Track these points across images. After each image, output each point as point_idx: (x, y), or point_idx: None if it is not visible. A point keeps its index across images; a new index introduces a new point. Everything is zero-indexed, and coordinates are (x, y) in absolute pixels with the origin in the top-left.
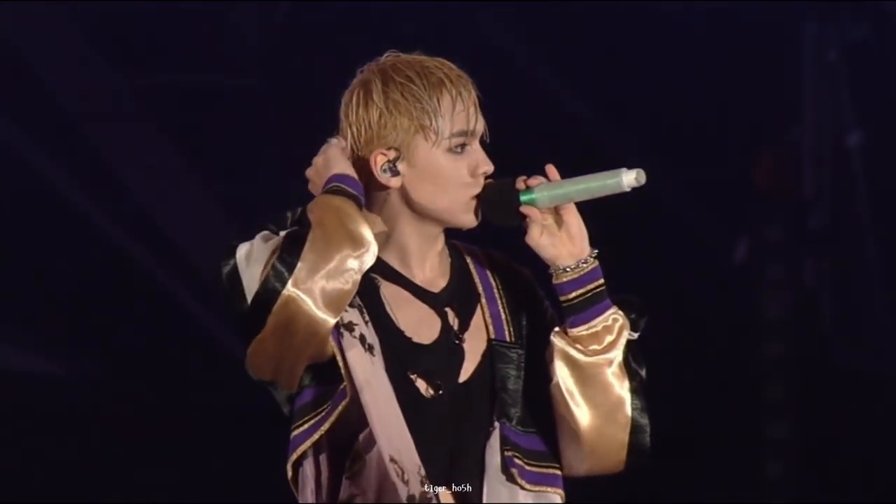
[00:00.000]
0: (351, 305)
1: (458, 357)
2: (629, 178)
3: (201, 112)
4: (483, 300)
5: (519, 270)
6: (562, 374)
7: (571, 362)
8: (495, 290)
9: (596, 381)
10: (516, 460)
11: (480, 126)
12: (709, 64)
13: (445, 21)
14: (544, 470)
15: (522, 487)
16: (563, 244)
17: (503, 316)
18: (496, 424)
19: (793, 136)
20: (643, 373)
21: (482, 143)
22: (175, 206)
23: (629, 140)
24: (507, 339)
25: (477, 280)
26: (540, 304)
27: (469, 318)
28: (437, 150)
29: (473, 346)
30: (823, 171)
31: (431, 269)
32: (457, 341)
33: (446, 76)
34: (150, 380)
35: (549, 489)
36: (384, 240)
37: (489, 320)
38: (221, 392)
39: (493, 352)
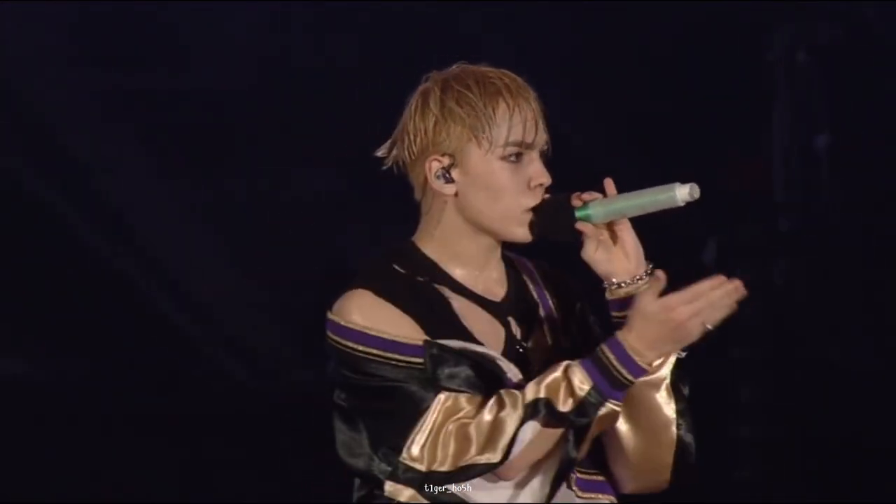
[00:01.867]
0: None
1: (524, 366)
2: (683, 193)
3: (170, 114)
4: (541, 310)
5: (568, 281)
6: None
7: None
8: (550, 300)
9: (642, 403)
10: (577, 468)
11: (539, 139)
12: (679, 65)
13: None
14: (593, 477)
15: (576, 494)
16: (619, 260)
17: (559, 325)
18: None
19: (763, 137)
20: (686, 391)
21: (544, 158)
22: (145, 207)
23: (598, 141)
24: (565, 347)
25: (532, 290)
26: (587, 317)
27: (530, 327)
28: (490, 158)
29: (536, 355)
30: (794, 173)
31: (490, 279)
32: (520, 350)
33: (506, 86)
34: (122, 380)
35: (600, 496)
36: (444, 250)
37: (547, 329)
38: (194, 393)
39: (550, 360)
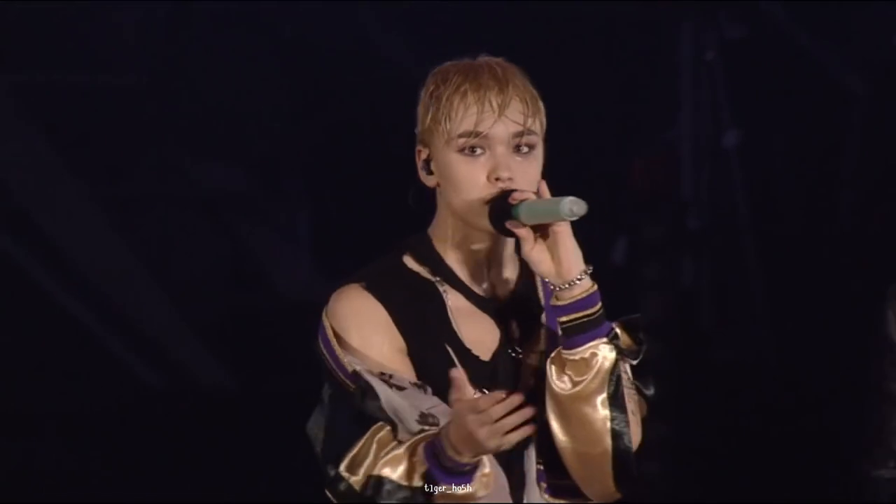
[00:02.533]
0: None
1: (517, 369)
2: (565, 207)
3: (80, 111)
4: (544, 314)
5: None
6: (548, 401)
7: (553, 394)
8: None
9: (573, 415)
10: (546, 474)
11: (501, 131)
12: (586, 64)
13: (328, 19)
14: (563, 481)
15: (546, 499)
16: (551, 262)
17: (559, 328)
18: (531, 437)
19: (670, 136)
20: (648, 393)
21: (529, 151)
22: (55, 206)
23: None
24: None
25: (541, 292)
26: None
27: (530, 331)
28: (448, 150)
29: (531, 359)
30: (701, 171)
31: (494, 277)
32: (513, 353)
33: (475, 76)
34: (29, 383)
35: (572, 500)
36: (447, 242)
37: (545, 334)
38: (102, 393)
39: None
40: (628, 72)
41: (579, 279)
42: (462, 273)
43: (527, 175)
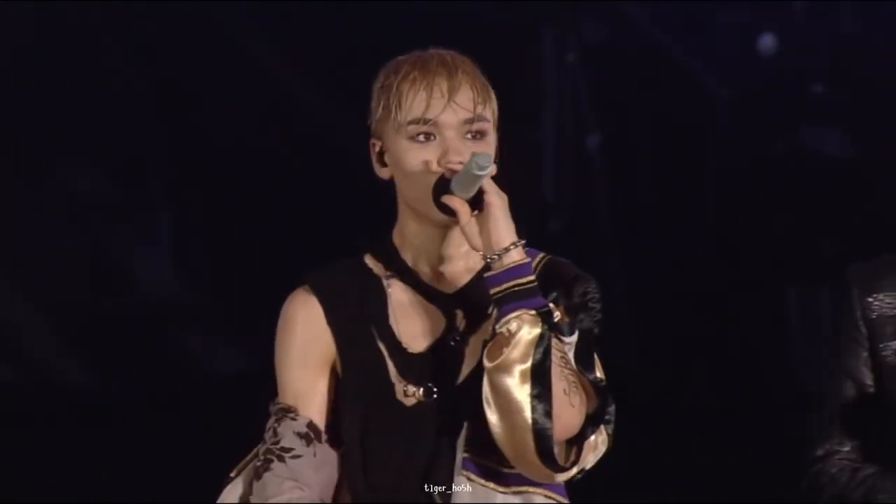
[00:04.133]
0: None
1: (457, 360)
2: (472, 163)
3: None
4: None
5: (562, 274)
6: (483, 385)
7: (485, 368)
8: None
9: (499, 386)
10: (475, 460)
11: (450, 117)
12: None
13: (192, 18)
14: (493, 464)
15: (495, 490)
16: (485, 234)
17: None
18: (464, 425)
19: (532, 138)
20: (592, 377)
21: (480, 139)
22: None
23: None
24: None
25: None
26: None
27: (479, 321)
28: (399, 139)
29: (476, 350)
30: (564, 174)
31: (453, 267)
32: (456, 343)
33: (424, 65)
34: None
35: (530, 489)
36: (403, 236)
37: (493, 324)
38: None
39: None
40: (490, 74)
41: (508, 249)
42: (416, 265)
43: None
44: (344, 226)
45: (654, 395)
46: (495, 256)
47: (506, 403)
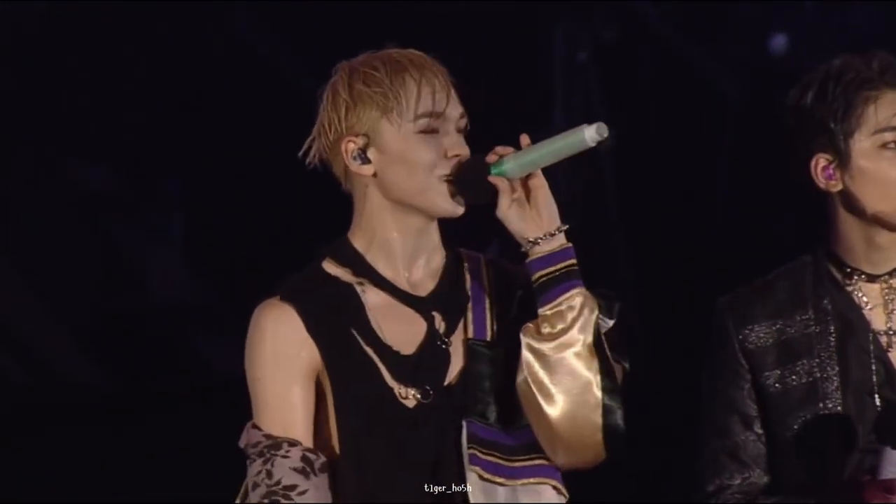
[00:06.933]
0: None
1: (444, 361)
2: (591, 133)
3: None
4: (470, 303)
5: (517, 274)
6: (528, 368)
7: (536, 352)
8: (486, 294)
9: (561, 365)
10: (480, 456)
11: (452, 111)
12: (458, 64)
13: (203, 19)
14: (526, 463)
15: (501, 484)
16: (532, 218)
17: (488, 318)
18: (463, 423)
19: (544, 137)
20: (626, 365)
21: (464, 134)
22: None
23: None
24: (487, 338)
25: (468, 284)
26: (531, 305)
27: (456, 322)
28: (404, 133)
29: (458, 350)
30: (574, 173)
31: (420, 270)
32: (441, 345)
33: (411, 62)
34: None
35: (532, 480)
36: (370, 240)
37: (471, 323)
38: None
39: (468, 351)
40: (500, 74)
41: (557, 232)
42: (385, 270)
43: (466, 154)
44: None
45: (661, 393)
46: (544, 238)
47: (572, 381)
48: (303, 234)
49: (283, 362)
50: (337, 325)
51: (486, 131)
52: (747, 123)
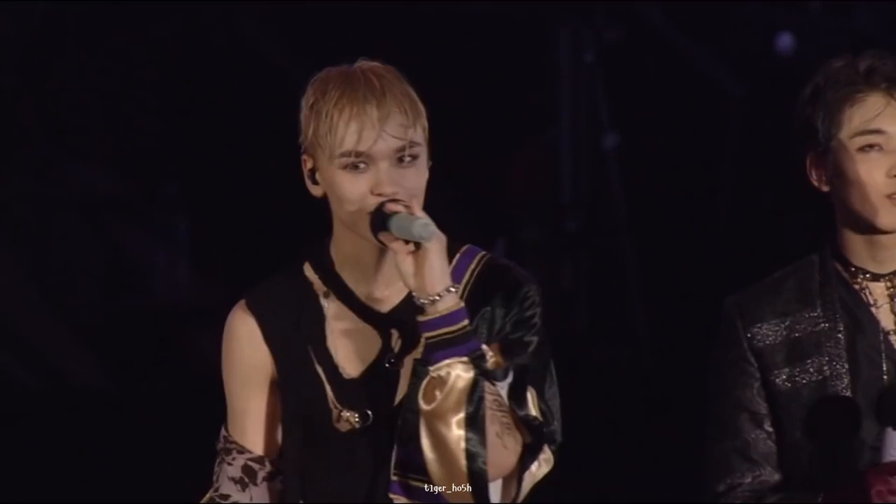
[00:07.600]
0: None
1: (392, 383)
2: (416, 228)
3: None
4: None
5: (511, 277)
6: (421, 418)
7: (420, 408)
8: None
9: (434, 432)
10: (412, 483)
11: (383, 146)
12: (466, 66)
13: (204, 20)
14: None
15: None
16: (419, 277)
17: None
18: (394, 447)
19: (549, 138)
20: (522, 413)
21: (413, 163)
22: None
23: None
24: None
25: None
26: (497, 323)
27: (415, 341)
28: (331, 167)
29: (409, 370)
30: (580, 173)
31: (382, 287)
32: (389, 365)
33: (353, 91)
34: None
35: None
36: (339, 249)
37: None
38: None
39: (413, 372)
40: (508, 73)
41: (441, 296)
42: (351, 282)
43: (411, 185)
44: None
45: (667, 392)
46: (427, 301)
47: (441, 451)
48: (306, 236)
49: (239, 368)
50: (294, 339)
51: (494, 131)
52: (752, 123)
